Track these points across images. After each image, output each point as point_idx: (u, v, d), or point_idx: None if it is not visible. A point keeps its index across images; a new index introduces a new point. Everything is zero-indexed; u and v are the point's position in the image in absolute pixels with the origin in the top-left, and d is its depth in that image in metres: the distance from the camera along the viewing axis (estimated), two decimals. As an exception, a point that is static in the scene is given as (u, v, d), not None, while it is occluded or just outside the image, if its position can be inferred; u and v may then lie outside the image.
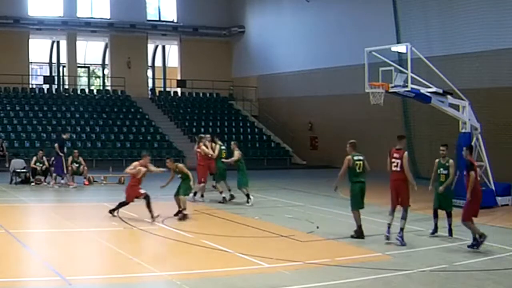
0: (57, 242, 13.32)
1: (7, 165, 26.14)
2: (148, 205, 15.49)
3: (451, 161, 14.25)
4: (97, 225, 15.30)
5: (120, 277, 10.14)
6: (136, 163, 16.44)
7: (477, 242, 12.44)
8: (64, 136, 24.59)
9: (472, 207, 12.51)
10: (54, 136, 33.04)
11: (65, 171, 23.31)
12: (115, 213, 15.98)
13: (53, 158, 24.00)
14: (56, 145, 23.95)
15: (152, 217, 15.30)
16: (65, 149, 23.80)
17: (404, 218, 13.07)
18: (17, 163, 24.27)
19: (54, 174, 23.38)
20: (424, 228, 14.89)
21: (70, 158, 24.02)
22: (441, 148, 14.69)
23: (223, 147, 19.89)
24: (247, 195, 18.85)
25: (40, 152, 24.25)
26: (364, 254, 11.96)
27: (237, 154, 19.07)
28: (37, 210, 18.32)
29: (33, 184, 23.32)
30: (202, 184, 19.39)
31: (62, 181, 23.57)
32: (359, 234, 13.59)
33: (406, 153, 13.33)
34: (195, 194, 19.29)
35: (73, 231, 14.49)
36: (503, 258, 11.87)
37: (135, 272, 10.47)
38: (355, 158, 13.70)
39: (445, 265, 11.14)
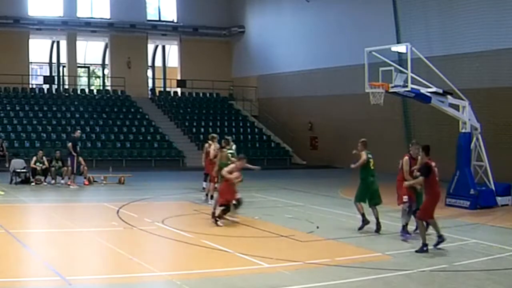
0: (57, 242, 13.31)
1: (7, 165, 26.12)
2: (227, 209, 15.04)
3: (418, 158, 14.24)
4: (97, 225, 15.31)
5: (120, 277, 10.13)
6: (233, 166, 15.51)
7: (440, 240, 12.33)
8: (75, 135, 24.40)
9: (427, 206, 12.40)
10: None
11: (74, 171, 23.23)
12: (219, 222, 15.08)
13: (49, 158, 24.00)
14: (69, 144, 23.93)
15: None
16: (78, 149, 23.61)
17: (401, 216, 13.67)
18: (17, 163, 24.25)
19: (72, 175, 23.25)
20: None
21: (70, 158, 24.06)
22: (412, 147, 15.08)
23: (230, 151, 18.51)
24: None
25: (40, 152, 24.23)
26: (364, 254, 11.95)
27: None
28: (37, 210, 18.31)
29: (33, 184, 23.32)
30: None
31: (62, 181, 23.58)
32: (364, 221, 14.21)
33: (406, 157, 14.00)
34: (211, 196, 18.77)
35: (73, 231, 14.48)
36: (503, 258, 11.85)
37: (135, 272, 10.46)
38: (369, 155, 14.37)
39: (445, 265, 11.13)
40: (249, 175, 19.61)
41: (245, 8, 42.27)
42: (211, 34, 42.62)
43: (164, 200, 20.53)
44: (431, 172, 12.32)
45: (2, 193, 20.20)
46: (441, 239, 12.32)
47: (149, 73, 44.09)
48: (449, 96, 19.29)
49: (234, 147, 19.14)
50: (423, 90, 18.72)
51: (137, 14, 40.72)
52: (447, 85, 19.58)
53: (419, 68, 19.37)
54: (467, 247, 12.77)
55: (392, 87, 18.38)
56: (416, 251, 12.10)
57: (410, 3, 28.74)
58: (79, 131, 25.47)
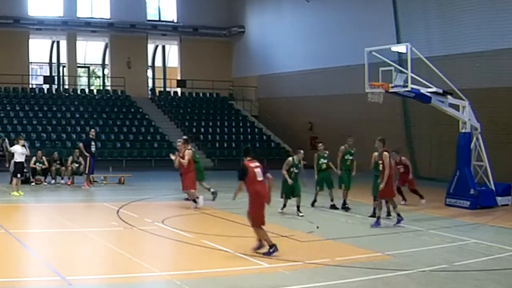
0: (57, 242, 13.31)
1: (7, 165, 26.09)
2: None
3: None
4: (97, 225, 15.32)
5: (120, 277, 10.13)
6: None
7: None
8: (89, 135, 24.05)
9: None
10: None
11: (87, 171, 22.97)
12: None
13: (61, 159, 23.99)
14: (80, 145, 23.82)
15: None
16: (93, 149, 23.29)
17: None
18: (17, 163, 24.20)
19: (85, 175, 23.09)
20: (424, 228, 14.90)
21: (70, 158, 24.04)
22: (350, 139, 18.07)
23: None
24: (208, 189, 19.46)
25: (40, 152, 24.24)
26: (364, 254, 11.94)
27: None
28: (37, 210, 18.32)
29: (33, 184, 23.34)
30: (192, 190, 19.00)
31: (62, 181, 23.59)
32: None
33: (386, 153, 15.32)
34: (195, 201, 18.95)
35: (73, 231, 14.48)
36: (503, 258, 11.85)
37: (135, 272, 10.46)
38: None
39: (445, 265, 11.13)
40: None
41: (245, 8, 42.24)
42: (211, 34, 42.59)
43: (164, 200, 20.53)
44: (248, 173, 11.74)
45: (22, 193, 20.32)
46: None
47: (149, 73, 44.09)
48: (449, 96, 19.29)
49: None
50: (423, 90, 18.72)
51: (137, 14, 40.70)
52: (447, 85, 19.58)
53: (419, 68, 19.37)
54: (467, 247, 12.77)
55: (392, 87, 18.39)
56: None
57: (410, 3, 28.73)
58: (93, 130, 24.99)
